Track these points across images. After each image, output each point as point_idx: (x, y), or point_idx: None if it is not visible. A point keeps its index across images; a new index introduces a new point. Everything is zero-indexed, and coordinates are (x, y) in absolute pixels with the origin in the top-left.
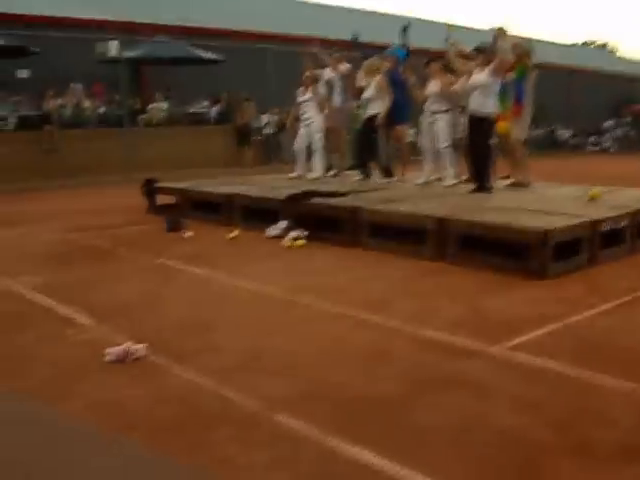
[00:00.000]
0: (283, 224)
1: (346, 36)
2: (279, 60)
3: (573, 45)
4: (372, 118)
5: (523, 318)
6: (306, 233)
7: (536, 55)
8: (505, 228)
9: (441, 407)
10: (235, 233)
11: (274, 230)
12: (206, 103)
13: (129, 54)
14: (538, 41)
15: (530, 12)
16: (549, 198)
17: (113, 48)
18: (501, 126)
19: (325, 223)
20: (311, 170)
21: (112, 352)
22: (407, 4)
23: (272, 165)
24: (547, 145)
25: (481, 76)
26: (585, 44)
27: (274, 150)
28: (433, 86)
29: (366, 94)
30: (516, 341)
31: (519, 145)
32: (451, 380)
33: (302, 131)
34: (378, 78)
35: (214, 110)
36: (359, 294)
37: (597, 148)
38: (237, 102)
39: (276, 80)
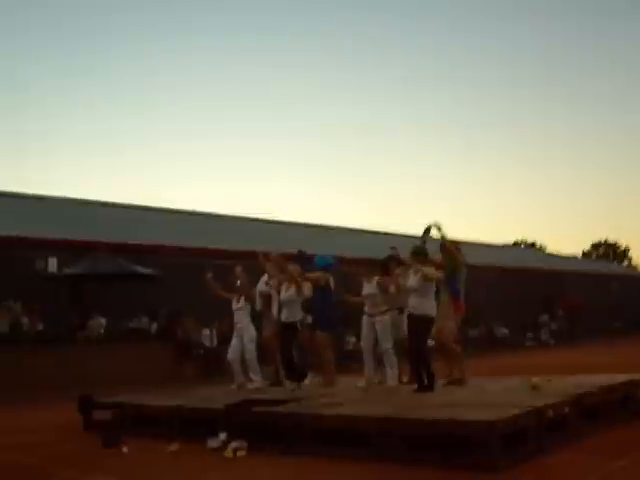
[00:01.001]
0: (223, 436)
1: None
2: (218, 274)
3: (504, 245)
4: (290, 326)
5: None
6: (245, 444)
7: (464, 254)
8: (450, 422)
9: None
10: (175, 446)
11: (214, 442)
12: (145, 319)
13: (68, 271)
14: (471, 243)
15: (459, 216)
16: (491, 391)
17: (52, 264)
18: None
19: (267, 431)
20: (250, 380)
21: None
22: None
23: (214, 379)
24: (486, 344)
25: (412, 281)
26: (515, 243)
27: (215, 364)
28: (369, 288)
29: (285, 296)
30: None
31: (453, 341)
32: None
33: (234, 341)
34: (295, 275)
35: (154, 326)
36: None
37: (535, 342)
38: (176, 316)
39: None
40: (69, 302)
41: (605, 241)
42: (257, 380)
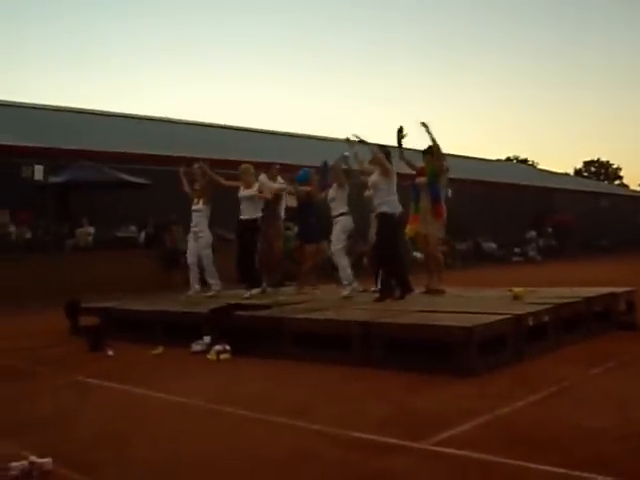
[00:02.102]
0: (207, 339)
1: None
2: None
3: (496, 161)
4: (250, 222)
5: (451, 413)
6: (228, 347)
7: (447, 163)
8: (429, 327)
9: None
10: (159, 350)
11: (198, 345)
12: (133, 228)
13: (55, 179)
14: (462, 157)
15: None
16: (473, 300)
17: (38, 172)
18: (410, 229)
19: (250, 336)
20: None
21: (16, 467)
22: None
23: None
24: (473, 258)
25: (373, 176)
26: (507, 160)
27: (202, 272)
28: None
29: (245, 193)
30: (444, 435)
31: (437, 246)
32: (378, 477)
33: (191, 244)
34: (260, 179)
35: (142, 234)
36: (283, 401)
37: (522, 258)
38: (164, 225)
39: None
40: (56, 210)
41: (597, 160)
42: (215, 284)
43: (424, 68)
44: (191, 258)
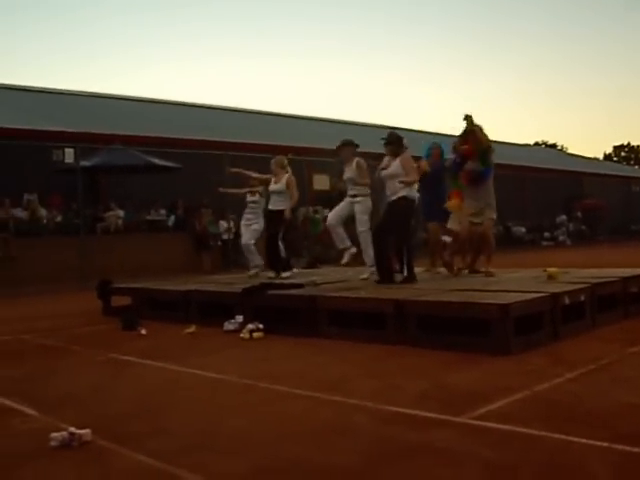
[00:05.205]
0: (240, 318)
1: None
2: (236, 166)
3: (525, 145)
4: (277, 213)
5: (489, 389)
6: (262, 326)
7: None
8: (465, 305)
9: (408, 474)
10: (192, 329)
11: (231, 324)
12: (163, 211)
13: (85, 163)
14: (492, 142)
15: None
16: (507, 280)
17: (69, 155)
18: (454, 204)
19: (283, 315)
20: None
21: (56, 437)
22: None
23: (231, 271)
24: (503, 242)
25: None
26: (536, 144)
27: (233, 256)
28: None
29: (274, 187)
30: (483, 410)
31: (491, 227)
32: (418, 449)
33: (244, 229)
34: (288, 175)
35: (172, 218)
36: (318, 377)
37: (552, 242)
38: (194, 209)
39: (233, 186)
40: (87, 194)
41: (628, 144)
42: (256, 265)
43: (450, 52)
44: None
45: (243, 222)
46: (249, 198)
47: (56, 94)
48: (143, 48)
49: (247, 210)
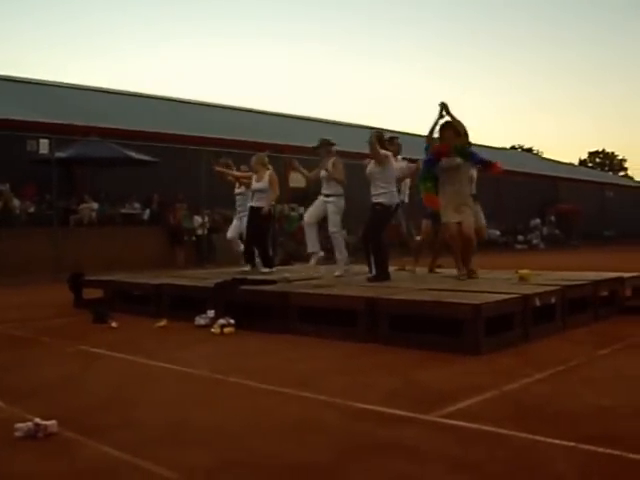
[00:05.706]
0: (211, 313)
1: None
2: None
3: (502, 149)
4: (261, 210)
5: (458, 388)
6: (233, 321)
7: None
8: (436, 304)
9: (376, 471)
10: (163, 323)
11: (202, 319)
12: (137, 205)
13: (60, 154)
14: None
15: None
16: (479, 280)
17: (44, 146)
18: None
19: (254, 311)
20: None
21: (21, 428)
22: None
23: (205, 266)
24: (476, 244)
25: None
26: (512, 148)
27: (207, 251)
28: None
29: (256, 185)
30: (452, 408)
31: (472, 229)
32: (385, 446)
33: (236, 222)
34: (270, 172)
35: (147, 212)
36: (288, 373)
37: (526, 246)
38: (169, 203)
39: (207, 182)
40: (61, 185)
41: (602, 151)
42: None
43: (430, 56)
44: (230, 233)
45: (237, 216)
46: (237, 190)
47: (34, 84)
48: (124, 41)
49: (237, 202)
